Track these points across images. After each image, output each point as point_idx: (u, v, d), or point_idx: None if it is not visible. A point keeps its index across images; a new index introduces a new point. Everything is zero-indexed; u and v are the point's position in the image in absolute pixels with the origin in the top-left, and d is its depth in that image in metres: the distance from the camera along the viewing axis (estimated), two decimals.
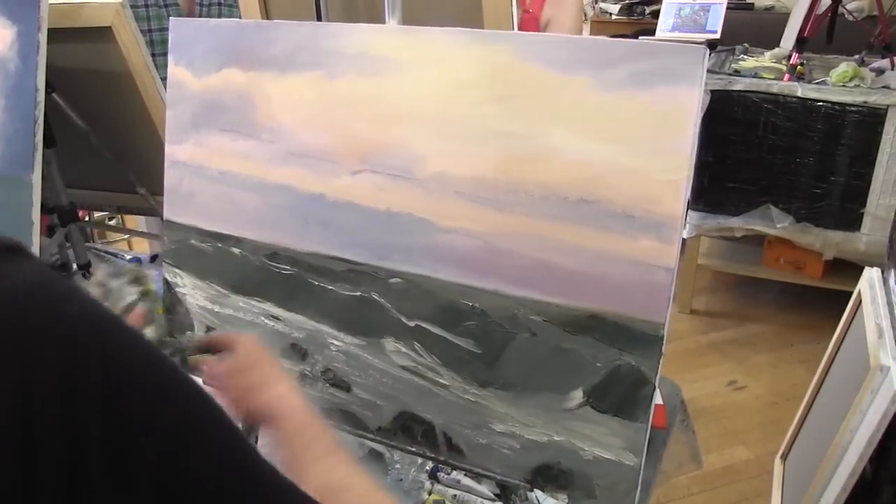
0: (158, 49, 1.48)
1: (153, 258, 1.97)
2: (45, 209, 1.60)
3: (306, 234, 0.95)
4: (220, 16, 2.15)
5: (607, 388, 0.81)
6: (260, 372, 0.73)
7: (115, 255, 2.03)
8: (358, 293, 0.93)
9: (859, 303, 1.77)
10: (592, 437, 0.83)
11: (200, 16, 2.10)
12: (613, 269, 0.78)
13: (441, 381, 0.90)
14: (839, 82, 2.77)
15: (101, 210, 2.04)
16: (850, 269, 2.74)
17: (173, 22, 1.01)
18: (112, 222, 3.36)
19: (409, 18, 1.05)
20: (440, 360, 0.89)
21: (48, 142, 1.47)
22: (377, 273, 0.91)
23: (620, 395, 0.80)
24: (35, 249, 1.27)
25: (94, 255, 2.00)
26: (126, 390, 0.37)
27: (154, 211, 1.57)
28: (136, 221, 3.28)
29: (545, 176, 0.79)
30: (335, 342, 0.96)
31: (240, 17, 2.01)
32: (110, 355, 0.37)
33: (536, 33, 0.77)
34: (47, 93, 1.30)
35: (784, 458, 2.05)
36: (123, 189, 1.66)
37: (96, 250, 2.07)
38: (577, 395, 0.83)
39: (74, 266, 1.76)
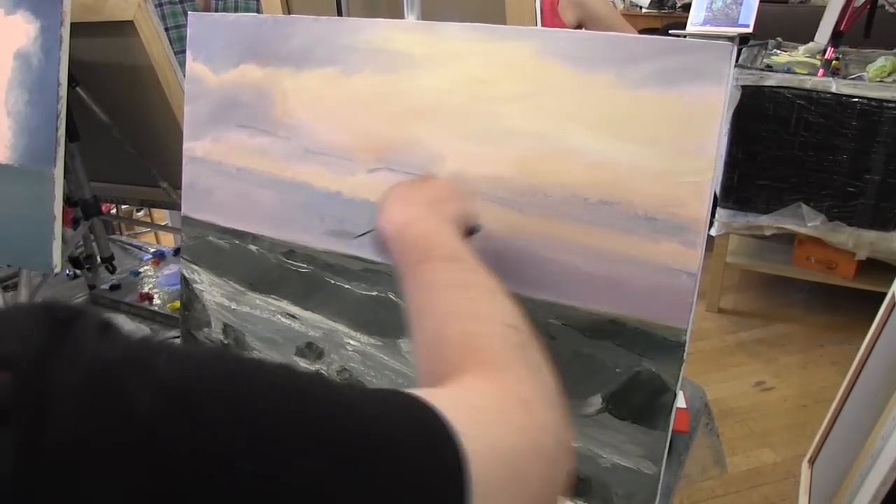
0: (176, 47, 1.47)
1: (176, 251, 1.98)
2: (70, 202, 1.61)
3: (323, 231, 0.94)
4: (236, 10, 2.15)
5: (627, 395, 0.79)
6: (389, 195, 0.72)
7: (139, 248, 2.05)
8: (374, 293, 0.92)
9: (893, 304, 1.72)
10: (611, 444, 0.81)
11: (217, 10, 2.10)
12: (635, 272, 0.75)
13: None
14: (876, 77, 2.70)
15: (125, 203, 2.05)
16: (883, 269, 2.69)
17: (191, 17, 1.00)
18: (140, 214, 3.39)
19: (430, 14, 1.03)
20: None
21: (72, 136, 1.48)
22: (393, 273, 0.89)
23: (640, 402, 0.78)
24: (57, 242, 1.27)
25: (118, 248, 2.02)
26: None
27: (176, 205, 1.58)
28: (162, 215, 3.32)
29: (565, 176, 0.77)
30: (351, 342, 0.95)
31: (256, 11, 2.01)
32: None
33: (558, 29, 0.75)
34: (71, 87, 1.30)
35: (812, 462, 2.01)
36: (146, 183, 1.66)
37: (121, 243, 2.09)
38: (596, 401, 0.81)
39: (98, 259, 1.78)
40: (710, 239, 2.92)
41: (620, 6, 5.40)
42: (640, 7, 5.36)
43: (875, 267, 2.81)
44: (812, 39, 3.19)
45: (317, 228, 0.94)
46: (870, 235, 2.72)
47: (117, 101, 1.51)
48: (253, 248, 1.01)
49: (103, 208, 1.79)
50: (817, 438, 2.00)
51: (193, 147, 1.04)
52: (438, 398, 0.41)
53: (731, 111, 2.75)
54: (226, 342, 1.06)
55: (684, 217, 0.72)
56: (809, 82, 2.66)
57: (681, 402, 1.30)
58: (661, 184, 0.72)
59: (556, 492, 0.46)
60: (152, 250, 2.03)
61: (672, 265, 0.73)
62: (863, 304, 2.38)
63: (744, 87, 2.71)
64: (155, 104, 1.46)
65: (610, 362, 0.79)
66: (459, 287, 0.58)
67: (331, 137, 0.91)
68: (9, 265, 1.67)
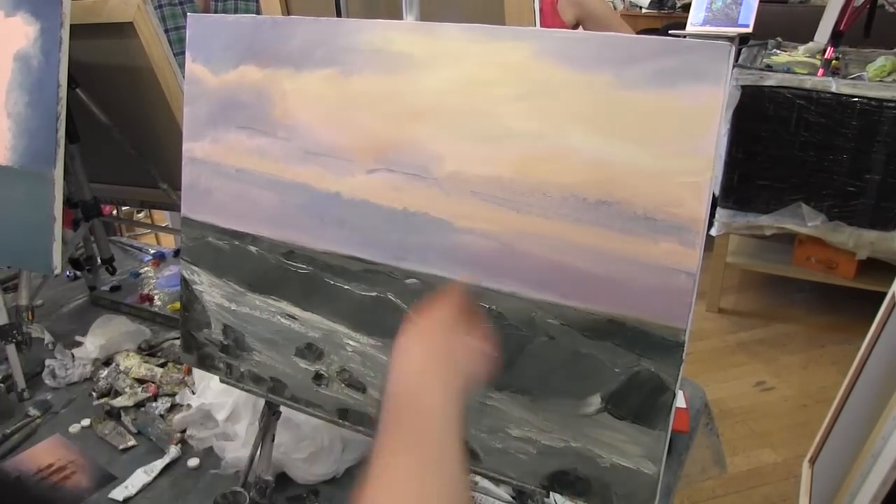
0: (176, 48, 1.48)
1: (176, 252, 1.98)
2: (70, 204, 1.62)
3: (322, 232, 0.94)
4: (235, 11, 2.15)
5: (626, 395, 0.79)
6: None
7: (140, 249, 2.05)
8: (374, 293, 0.92)
9: (894, 304, 1.72)
10: (610, 443, 0.81)
11: (216, 12, 2.10)
12: (633, 272, 0.75)
13: None
14: (876, 77, 2.70)
15: (125, 205, 2.05)
16: (884, 269, 2.69)
17: (191, 18, 1.00)
18: (140, 215, 3.40)
19: (428, 14, 1.03)
20: None
21: (72, 137, 1.48)
22: (393, 273, 0.90)
23: (639, 402, 0.78)
24: (57, 244, 1.27)
25: (118, 249, 2.02)
26: None
27: (176, 206, 1.58)
28: (162, 216, 3.33)
29: (564, 176, 0.77)
30: (351, 342, 0.95)
31: (255, 12, 2.01)
32: None
33: (556, 30, 0.75)
34: (70, 88, 1.31)
35: (812, 462, 2.01)
36: (146, 184, 1.67)
37: (121, 244, 2.09)
38: (595, 401, 0.81)
39: (99, 260, 1.78)
40: (710, 239, 2.93)
41: (620, 6, 5.40)
42: (640, 7, 5.36)
43: (875, 267, 2.82)
44: (812, 39, 3.19)
45: (316, 229, 0.94)
46: (870, 235, 2.72)
47: (117, 102, 1.51)
48: (252, 248, 1.01)
49: (104, 210, 1.79)
50: (818, 438, 2.00)
51: (193, 148, 1.04)
52: None
53: (731, 111, 2.75)
54: (226, 343, 1.07)
55: (683, 217, 0.72)
56: (809, 82, 2.66)
57: (681, 402, 1.31)
58: (660, 184, 0.72)
59: None
60: (152, 251, 2.03)
61: (671, 265, 0.73)
62: (863, 304, 2.39)
63: (744, 87, 2.72)
64: (155, 105, 1.46)
65: (609, 362, 0.79)
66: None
67: (330, 138, 0.91)
68: (9, 266, 1.68)
